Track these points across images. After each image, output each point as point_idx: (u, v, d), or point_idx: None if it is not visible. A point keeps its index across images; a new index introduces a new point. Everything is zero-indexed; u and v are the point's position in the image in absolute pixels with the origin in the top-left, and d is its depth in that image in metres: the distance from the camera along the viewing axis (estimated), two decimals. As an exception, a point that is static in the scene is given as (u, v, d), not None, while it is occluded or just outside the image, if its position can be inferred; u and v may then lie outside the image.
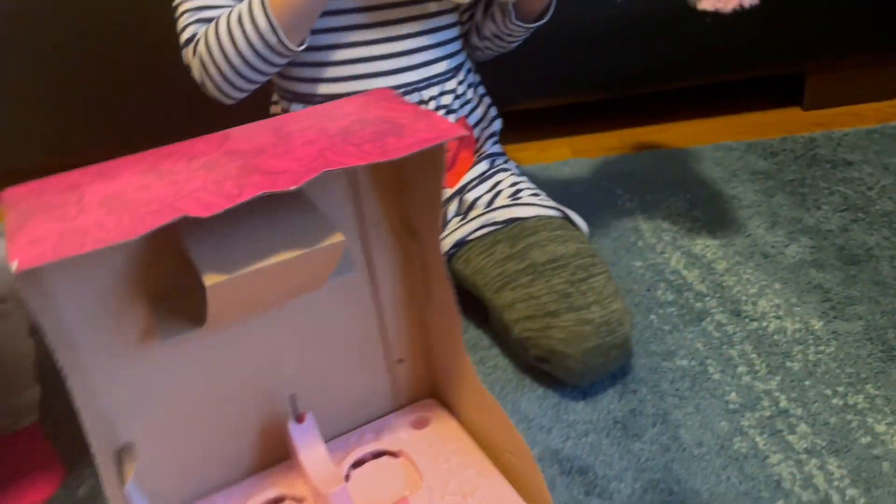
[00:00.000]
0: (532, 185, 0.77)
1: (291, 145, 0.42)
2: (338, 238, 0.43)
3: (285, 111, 0.76)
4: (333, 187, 0.51)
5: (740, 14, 1.10)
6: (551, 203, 0.74)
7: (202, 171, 0.40)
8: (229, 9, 0.67)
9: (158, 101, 1.02)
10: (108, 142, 1.05)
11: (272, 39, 0.64)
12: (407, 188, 0.52)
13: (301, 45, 0.67)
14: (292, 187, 0.38)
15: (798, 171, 0.97)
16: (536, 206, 0.72)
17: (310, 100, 0.73)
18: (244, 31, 0.64)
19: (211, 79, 0.68)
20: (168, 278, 0.47)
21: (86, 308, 0.45)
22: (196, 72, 0.69)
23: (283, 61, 0.68)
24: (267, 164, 0.40)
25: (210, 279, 0.40)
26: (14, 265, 0.33)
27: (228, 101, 0.71)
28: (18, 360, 0.63)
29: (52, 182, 0.42)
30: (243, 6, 0.65)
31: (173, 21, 0.71)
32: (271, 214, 0.44)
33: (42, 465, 0.63)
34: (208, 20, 0.68)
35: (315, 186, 0.43)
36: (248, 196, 0.37)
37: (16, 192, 0.41)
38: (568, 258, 0.66)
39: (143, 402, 0.48)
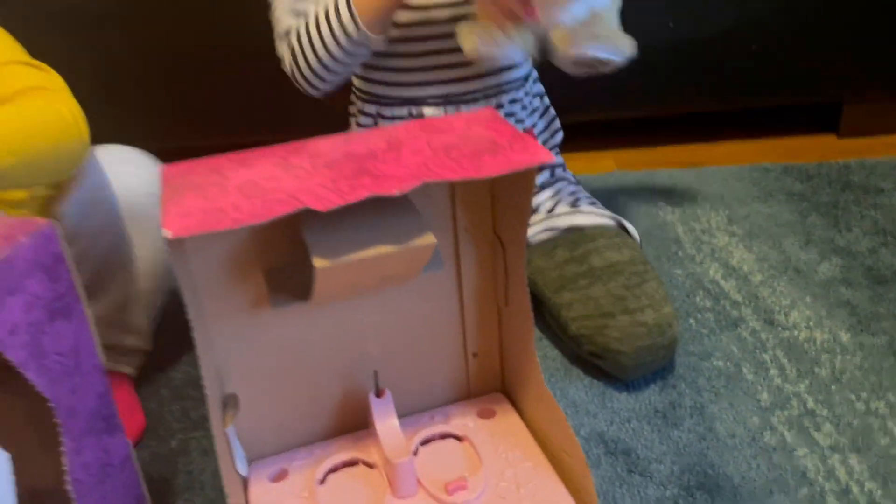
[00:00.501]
0: (589, 195, 0.85)
1: (401, 154, 0.49)
2: (430, 239, 0.49)
3: (360, 111, 0.84)
4: (433, 194, 0.57)
5: (780, 44, 1.17)
6: (607, 212, 0.81)
7: (323, 169, 0.47)
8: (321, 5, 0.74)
9: (259, 94, 1.12)
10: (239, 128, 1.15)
11: (353, 30, 0.71)
12: (498, 201, 0.58)
13: (381, 35, 0.73)
14: (396, 192, 0.44)
15: (832, 195, 1.04)
16: (594, 214, 0.80)
17: (386, 101, 0.81)
18: (329, 24, 0.71)
19: (300, 69, 0.75)
20: (282, 256, 0.54)
21: (213, 274, 0.52)
22: (287, 63, 0.77)
23: (364, 52, 0.74)
24: (377, 169, 0.47)
25: (319, 262, 0.47)
26: (167, 233, 0.40)
27: (314, 93, 0.78)
28: (133, 303, 0.71)
29: (201, 164, 0.49)
30: (330, 2, 0.72)
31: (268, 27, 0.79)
32: (377, 211, 0.50)
33: (124, 412, 0.69)
34: (299, 14, 0.75)
35: (417, 191, 0.48)
36: (357, 197, 0.43)
37: (171, 170, 0.49)
38: (623, 265, 0.74)
39: (247, 360, 0.56)
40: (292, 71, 0.77)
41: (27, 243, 0.41)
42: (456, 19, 0.74)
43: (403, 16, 0.75)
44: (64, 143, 0.55)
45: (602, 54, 0.69)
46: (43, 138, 0.53)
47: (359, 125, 0.85)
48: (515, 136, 0.51)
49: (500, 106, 0.81)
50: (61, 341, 0.44)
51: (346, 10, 0.70)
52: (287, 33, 0.76)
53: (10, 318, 0.41)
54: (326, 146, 0.52)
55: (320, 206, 0.43)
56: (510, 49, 0.71)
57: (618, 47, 0.69)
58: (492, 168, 0.47)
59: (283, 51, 0.77)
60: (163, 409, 0.74)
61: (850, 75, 1.14)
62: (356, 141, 0.53)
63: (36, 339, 0.42)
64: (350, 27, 0.71)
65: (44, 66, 0.62)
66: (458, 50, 0.75)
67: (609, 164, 1.18)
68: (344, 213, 0.49)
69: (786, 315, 0.82)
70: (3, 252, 0.40)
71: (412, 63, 0.78)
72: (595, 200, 0.84)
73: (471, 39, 0.71)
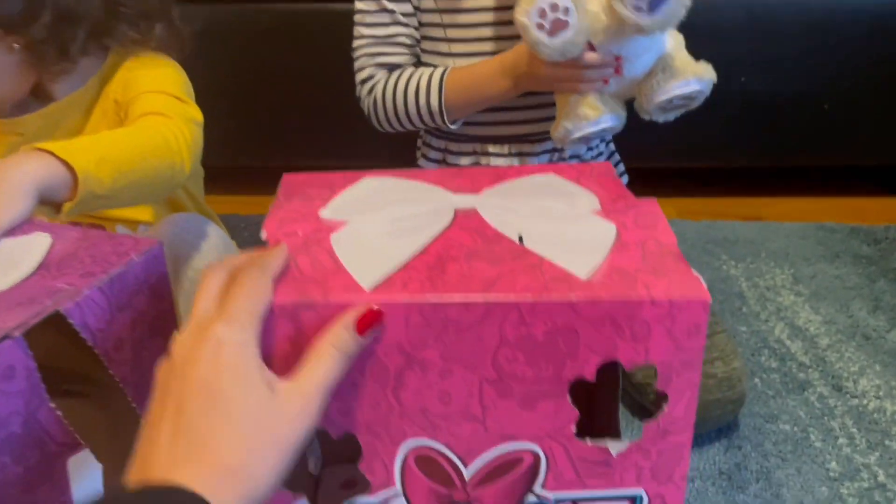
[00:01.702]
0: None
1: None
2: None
3: (427, 144, 0.87)
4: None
5: (851, 103, 1.17)
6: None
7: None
8: (408, 68, 0.81)
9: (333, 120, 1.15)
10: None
11: (438, 118, 0.80)
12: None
13: (460, 122, 0.81)
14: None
15: (900, 260, 1.04)
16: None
17: (454, 138, 0.84)
18: (417, 104, 0.79)
19: (377, 118, 0.83)
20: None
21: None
22: (366, 108, 0.84)
23: (435, 125, 0.82)
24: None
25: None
26: (263, 235, 0.42)
27: (384, 132, 0.84)
28: None
29: (318, 178, 0.50)
30: (423, 80, 0.79)
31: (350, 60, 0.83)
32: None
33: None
34: (383, 65, 0.82)
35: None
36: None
37: (291, 179, 0.50)
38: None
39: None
40: (369, 115, 0.84)
41: (139, 262, 0.44)
42: None
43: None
44: (162, 166, 0.58)
45: (689, 89, 0.70)
46: (140, 159, 0.56)
47: (425, 157, 0.88)
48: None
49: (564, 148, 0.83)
50: (154, 358, 0.46)
51: (437, 103, 0.79)
52: (366, 81, 0.83)
53: (117, 334, 0.43)
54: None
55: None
56: (603, 121, 0.72)
57: (701, 77, 0.70)
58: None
59: (363, 95, 0.84)
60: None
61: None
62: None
63: (138, 356, 0.44)
64: (437, 117, 0.80)
65: (188, 100, 0.68)
66: (529, 93, 0.78)
67: (670, 213, 1.19)
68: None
69: (854, 382, 0.82)
70: (117, 268, 0.42)
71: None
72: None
73: (564, 132, 0.73)
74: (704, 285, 0.37)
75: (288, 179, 0.50)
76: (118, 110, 0.67)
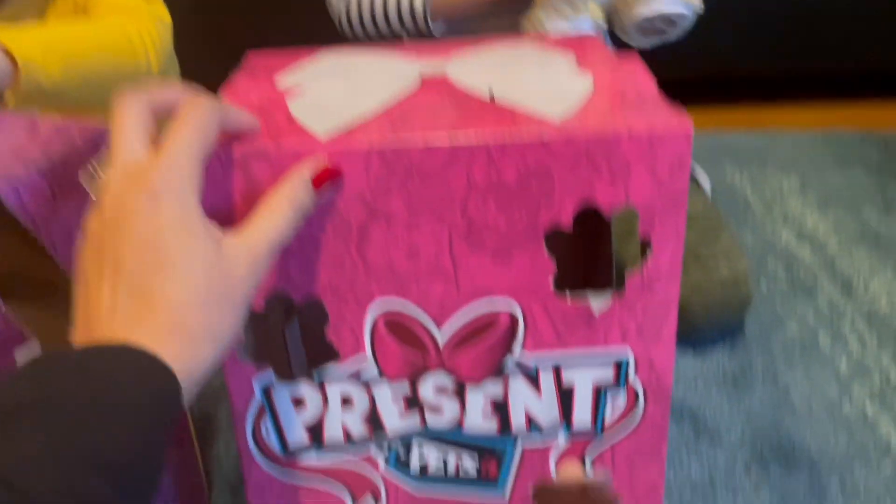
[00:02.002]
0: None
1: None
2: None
3: None
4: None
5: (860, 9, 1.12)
6: None
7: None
8: None
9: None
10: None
11: (420, 18, 0.73)
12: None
13: (438, 27, 0.75)
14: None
15: (914, 166, 1.00)
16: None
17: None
18: (399, 7, 0.73)
19: (349, 21, 0.76)
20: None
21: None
22: (337, 10, 0.77)
23: (415, 31, 0.76)
24: None
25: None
26: None
27: (352, 39, 0.79)
28: None
29: (284, 54, 0.46)
30: None
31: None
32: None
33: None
34: None
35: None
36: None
37: (255, 55, 0.46)
38: (696, 216, 0.72)
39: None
40: (340, 19, 0.78)
41: (84, 146, 0.41)
42: None
43: None
44: (123, 65, 0.55)
45: (672, 9, 0.66)
46: (97, 53, 0.53)
47: None
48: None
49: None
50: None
51: (420, 6, 0.73)
52: None
53: (65, 224, 0.40)
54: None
55: None
56: (580, 22, 0.69)
57: (688, 0, 0.66)
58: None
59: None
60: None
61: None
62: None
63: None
64: (420, 16, 0.73)
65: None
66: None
67: (671, 128, 1.15)
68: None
69: (865, 284, 0.79)
70: (59, 152, 0.40)
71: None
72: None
73: (537, 22, 0.69)
74: (686, 118, 0.35)
75: (252, 56, 0.47)
76: (76, 10, 0.64)
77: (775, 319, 0.75)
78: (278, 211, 0.32)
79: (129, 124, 0.31)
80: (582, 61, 0.43)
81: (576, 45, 0.46)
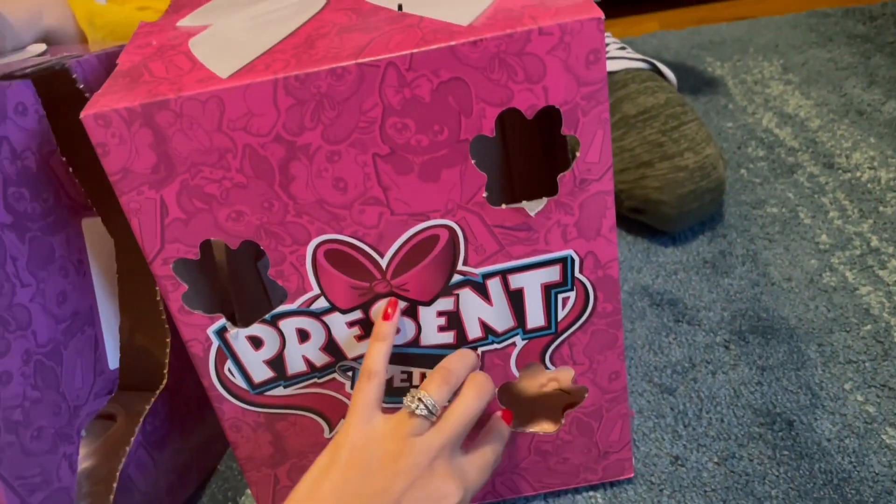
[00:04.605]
0: (617, 40, 0.74)
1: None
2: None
3: None
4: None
5: None
6: (638, 55, 0.71)
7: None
8: None
9: None
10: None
11: None
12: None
13: None
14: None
15: (899, 33, 0.89)
16: (624, 59, 0.70)
17: None
18: None
19: None
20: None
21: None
22: None
23: None
24: None
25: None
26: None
27: None
28: None
29: None
30: None
31: None
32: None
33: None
34: None
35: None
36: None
37: None
38: (658, 108, 0.64)
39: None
40: None
41: (128, 44, 0.38)
42: None
43: None
44: None
45: None
46: None
47: None
48: None
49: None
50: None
51: None
52: None
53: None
54: None
55: None
56: None
57: None
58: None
59: None
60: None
61: None
62: None
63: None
64: None
65: None
66: None
67: (653, 26, 1.04)
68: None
69: (847, 157, 0.71)
70: (113, 47, 0.38)
71: None
72: (625, 45, 0.73)
73: None
74: (597, 6, 0.29)
75: None
76: None
77: (755, 202, 0.68)
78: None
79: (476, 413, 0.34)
80: None
81: None
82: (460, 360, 0.35)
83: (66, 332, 0.36)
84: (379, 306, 0.34)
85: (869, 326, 0.54)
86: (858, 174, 0.69)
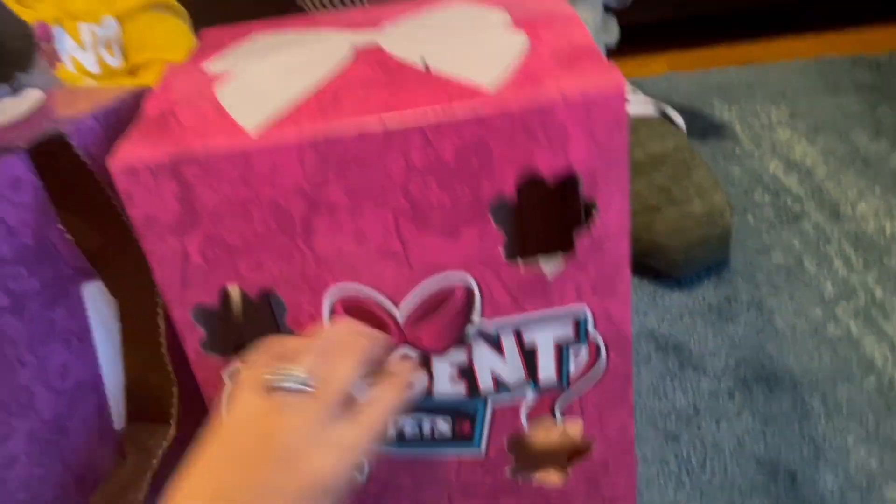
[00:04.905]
0: (629, 84, 0.74)
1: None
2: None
3: None
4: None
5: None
6: (648, 100, 0.71)
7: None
8: None
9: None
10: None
11: None
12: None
13: None
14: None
15: (905, 83, 0.89)
16: (634, 103, 0.70)
17: None
18: None
19: None
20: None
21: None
22: None
23: None
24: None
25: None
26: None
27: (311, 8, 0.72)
28: None
29: (235, 30, 0.42)
30: None
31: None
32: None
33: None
34: None
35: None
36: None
37: (207, 33, 0.42)
38: (667, 154, 0.65)
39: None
40: None
41: (129, 98, 0.37)
42: None
43: None
44: None
45: None
46: None
47: None
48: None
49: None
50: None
51: None
52: None
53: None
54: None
55: None
56: None
57: None
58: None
59: None
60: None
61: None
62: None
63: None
64: None
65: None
66: None
67: (662, 67, 1.05)
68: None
69: (853, 207, 0.71)
70: (111, 103, 0.37)
71: None
72: (636, 89, 0.73)
73: None
74: (620, 75, 0.29)
75: (205, 34, 0.42)
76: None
77: (761, 249, 0.68)
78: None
79: (354, 375, 0.30)
80: (516, 16, 0.37)
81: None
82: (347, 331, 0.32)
83: (70, 405, 0.35)
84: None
85: (872, 379, 0.54)
86: (863, 224, 0.69)
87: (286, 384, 0.29)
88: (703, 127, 0.89)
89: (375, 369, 0.32)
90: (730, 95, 0.94)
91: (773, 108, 0.90)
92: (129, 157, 0.29)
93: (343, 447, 0.28)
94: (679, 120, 0.71)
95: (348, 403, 0.30)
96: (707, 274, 0.66)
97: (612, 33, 0.68)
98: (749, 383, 0.55)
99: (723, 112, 0.91)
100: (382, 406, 0.31)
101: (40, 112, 0.37)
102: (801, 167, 0.79)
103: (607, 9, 0.68)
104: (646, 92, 0.93)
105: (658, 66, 1.07)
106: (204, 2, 0.79)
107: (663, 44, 1.11)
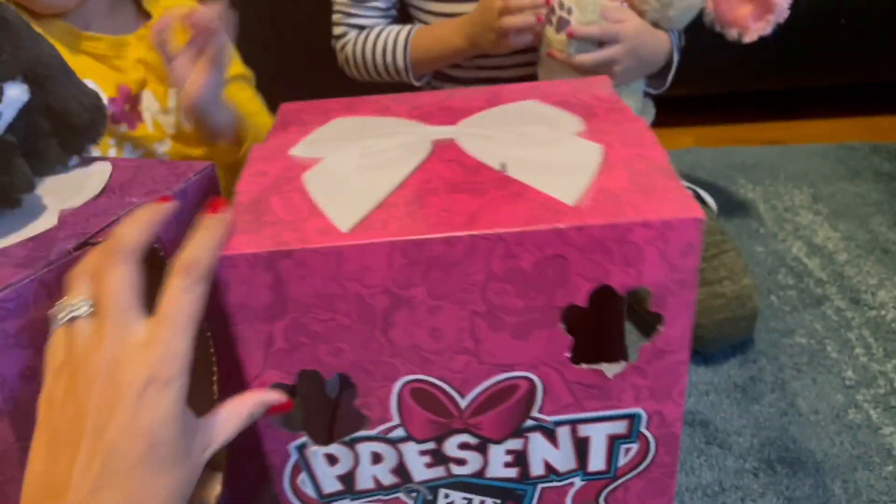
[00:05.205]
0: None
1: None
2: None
3: (430, 85, 0.81)
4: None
5: (869, 18, 1.01)
6: (682, 182, 0.73)
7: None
8: (377, 27, 0.77)
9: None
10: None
11: (404, 75, 0.77)
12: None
13: (422, 79, 0.78)
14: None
15: (922, 173, 0.91)
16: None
17: (461, 82, 0.77)
18: (385, 62, 0.76)
19: (351, 71, 0.81)
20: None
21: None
22: (340, 61, 0.81)
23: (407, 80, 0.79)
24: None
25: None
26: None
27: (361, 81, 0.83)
28: None
29: (315, 106, 0.45)
30: (390, 39, 0.76)
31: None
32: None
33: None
34: (354, 25, 0.79)
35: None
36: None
37: (288, 108, 0.45)
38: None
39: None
40: (343, 67, 0.81)
41: (196, 179, 0.39)
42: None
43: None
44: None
45: None
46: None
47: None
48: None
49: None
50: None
51: (402, 61, 0.75)
52: (339, 38, 0.79)
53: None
54: (427, 100, 0.45)
55: None
56: None
57: None
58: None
59: (337, 49, 0.81)
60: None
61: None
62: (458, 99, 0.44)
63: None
64: (404, 74, 0.76)
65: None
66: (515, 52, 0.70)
67: (688, 141, 1.08)
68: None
69: (873, 294, 0.72)
70: (179, 185, 0.38)
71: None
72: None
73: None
74: (696, 202, 0.31)
75: (285, 109, 0.44)
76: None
77: (784, 330, 0.70)
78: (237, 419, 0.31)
79: (126, 272, 0.28)
80: (590, 121, 0.39)
81: (582, 101, 0.42)
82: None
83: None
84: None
85: (891, 467, 0.55)
86: (883, 312, 0.70)
87: (67, 316, 0.27)
88: (728, 204, 0.91)
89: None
90: (754, 175, 0.96)
91: (796, 190, 0.92)
92: (230, 248, 0.31)
93: (140, 346, 0.26)
94: (710, 201, 0.73)
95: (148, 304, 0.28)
96: (732, 352, 0.68)
97: (650, 115, 0.70)
98: (773, 464, 0.56)
99: (747, 191, 0.94)
100: (171, 291, 0.28)
101: (108, 197, 0.38)
102: (823, 251, 0.80)
103: (646, 94, 0.70)
104: (672, 166, 0.96)
105: (685, 139, 1.10)
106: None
107: (691, 118, 1.14)
